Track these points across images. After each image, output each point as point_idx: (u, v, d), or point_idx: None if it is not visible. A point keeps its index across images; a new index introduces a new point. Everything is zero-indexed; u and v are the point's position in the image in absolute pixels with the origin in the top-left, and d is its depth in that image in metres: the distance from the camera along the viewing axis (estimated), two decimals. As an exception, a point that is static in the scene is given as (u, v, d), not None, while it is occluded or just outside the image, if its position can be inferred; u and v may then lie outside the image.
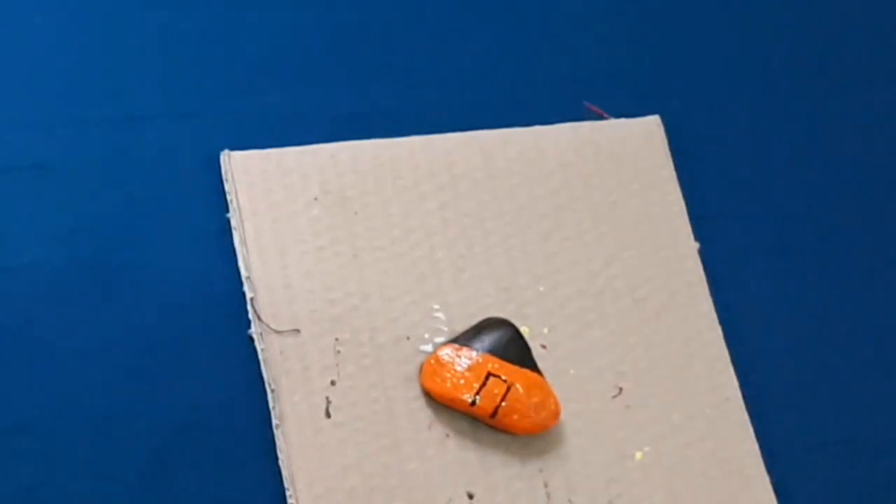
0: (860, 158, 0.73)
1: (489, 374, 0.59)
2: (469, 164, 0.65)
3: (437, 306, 0.62)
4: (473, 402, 0.58)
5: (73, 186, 0.60)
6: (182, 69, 0.63)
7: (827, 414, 0.64)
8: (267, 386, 0.58)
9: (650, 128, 0.69)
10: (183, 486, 0.57)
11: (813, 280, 0.68)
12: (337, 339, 0.60)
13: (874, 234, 0.71)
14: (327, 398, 0.59)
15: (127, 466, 0.56)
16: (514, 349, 0.60)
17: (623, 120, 0.69)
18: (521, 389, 0.59)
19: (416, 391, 0.60)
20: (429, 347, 0.61)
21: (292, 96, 0.64)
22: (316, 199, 0.62)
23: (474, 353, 0.60)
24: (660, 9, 0.74)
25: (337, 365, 0.59)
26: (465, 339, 0.61)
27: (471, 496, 0.59)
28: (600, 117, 0.68)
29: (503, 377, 0.59)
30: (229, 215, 0.61)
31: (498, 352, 0.60)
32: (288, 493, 0.57)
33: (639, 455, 0.61)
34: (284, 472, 0.57)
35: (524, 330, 0.62)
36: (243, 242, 0.60)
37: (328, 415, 0.58)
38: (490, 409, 0.58)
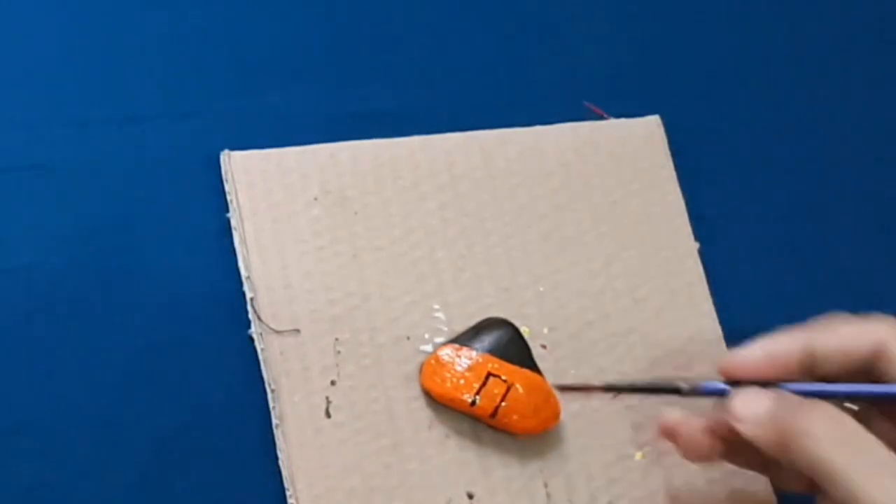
0: (861, 159, 0.73)
1: (489, 374, 0.59)
2: (469, 164, 0.65)
3: (437, 306, 0.62)
4: (473, 403, 0.58)
5: (73, 186, 0.60)
6: (182, 69, 0.63)
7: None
8: (267, 386, 0.58)
9: (650, 128, 0.69)
10: (183, 485, 0.57)
11: (813, 281, 0.68)
12: (337, 339, 0.60)
13: (874, 235, 0.71)
14: (327, 398, 0.59)
15: (127, 466, 0.56)
16: (515, 349, 0.60)
17: (623, 120, 0.69)
18: (521, 389, 0.59)
19: (416, 391, 0.60)
20: (429, 347, 0.61)
21: (292, 96, 0.64)
22: (316, 199, 0.62)
23: (474, 353, 0.60)
24: (660, 8, 0.74)
25: (337, 365, 0.59)
26: (465, 339, 0.60)
27: (471, 496, 0.59)
28: (600, 117, 0.68)
29: (503, 377, 0.59)
30: (229, 215, 0.61)
31: (498, 352, 0.60)
32: (288, 493, 0.57)
33: (639, 455, 0.61)
34: (284, 472, 0.57)
35: (524, 330, 0.62)
36: (243, 242, 0.60)
37: (328, 415, 0.58)
38: (490, 410, 0.58)
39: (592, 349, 0.63)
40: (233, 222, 0.60)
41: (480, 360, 0.59)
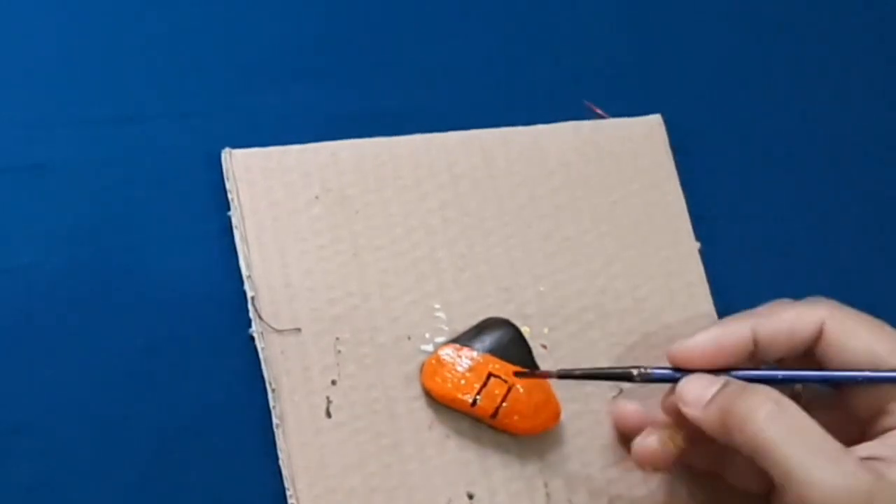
0: (861, 158, 0.73)
1: (490, 375, 0.59)
2: (470, 163, 0.65)
3: (437, 306, 0.62)
4: (474, 403, 0.58)
5: (73, 186, 0.59)
6: (182, 69, 0.63)
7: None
8: (267, 385, 0.58)
9: (651, 127, 0.69)
10: (183, 485, 0.57)
11: (814, 281, 0.67)
12: (338, 339, 0.60)
13: (875, 234, 0.71)
14: (328, 398, 0.59)
15: (127, 466, 0.56)
16: (515, 349, 0.60)
17: (624, 119, 0.69)
18: (521, 390, 0.59)
19: (416, 391, 0.60)
20: (429, 347, 0.61)
21: (293, 96, 0.64)
22: (317, 197, 0.62)
23: (475, 354, 0.60)
24: (661, 8, 0.74)
25: (338, 364, 0.59)
26: (465, 338, 0.60)
27: (471, 496, 0.59)
28: (600, 117, 0.68)
29: (504, 377, 0.59)
30: (230, 213, 0.61)
31: (499, 352, 0.60)
32: (288, 493, 0.57)
33: (639, 455, 0.61)
34: (284, 472, 0.57)
35: (525, 330, 0.62)
36: (244, 241, 0.60)
37: (329, 415, 0.58)
38: (491, 410, 0.58)
39: (593, 349, 0.63)
40: (234, 221, 0.60)
41: (481, 360, 0.59)
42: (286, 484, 0.57)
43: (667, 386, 0.57)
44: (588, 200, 0.66)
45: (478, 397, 0.59)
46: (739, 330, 0.56)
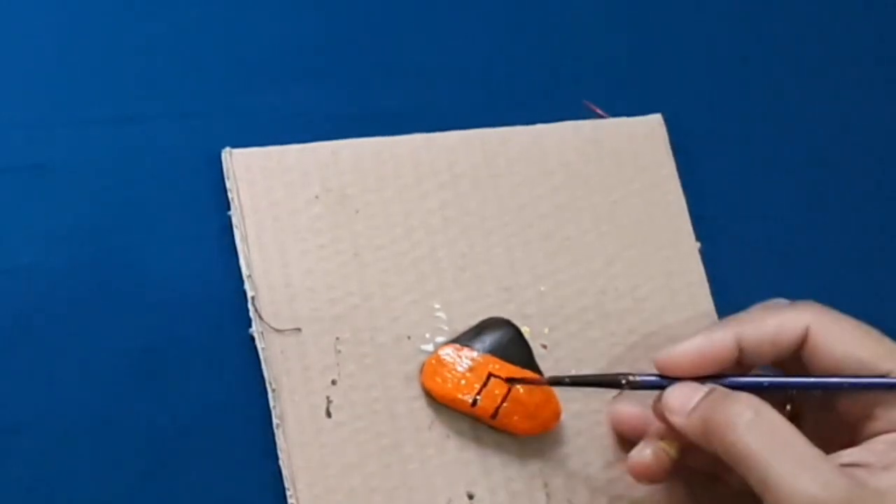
0: (862, 158, 0.73)
1: (490, 375, 0.59)
2: (470, 162, 0.65)
3: (438, 305, 0.62)
4: (474, 403, 0.58)
5: (73, 186, 0.59)
6: (182, 69, 0.63)
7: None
8: (268, 385, 0.58)
9: (652, 126, 0.69)
10: (183, 485, 0.57)
11: (814, 281, 0.68)
12: (338, 339, 0.60)
13: (875, 234, 0.71)
14: (328, 398, 0.59)
15: (127, 466, 0.56)
16: (516, 349, 0.60)
17: (624, 119, 0.68)
18: (522, 390, 0.59)
19: (416, 391, 0.60)
20: (430, 347, 0.61)
21: (293, 96, 0.64)
22: (317, 197, 0.62)
23: (475, 354, 0.59)
24: (662, 7, 0.74)
25: (338, 364, 0.59)
26: (466, 338, 0.60)
27: (471, 496, 0.59)
28: (600, 116, 0.68)
29: (504, 378, 0.59)
30: (230, 213, 0.61)
31: (499, 352, 0.60)
32: (288, 493, 0.57)
33: (639, 455, 0.61)
34: (285, 472, 0.57)
35: (525, 330, 0.62)
36: (244, 240, 0.60)
37: (329, 414, 0.58)
38: (491, 410, 0.58)
39: (593, 349, 0.63)
40: (234, 220, 0.60)
41: (481, 360, 0.59)
42: (286, 484, 0.57)
43: None
44: (588, 200, 0.66)
45: (478, 397, 0.59)
46: (724, 337, 0.56)
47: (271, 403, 0.58)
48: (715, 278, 0.66)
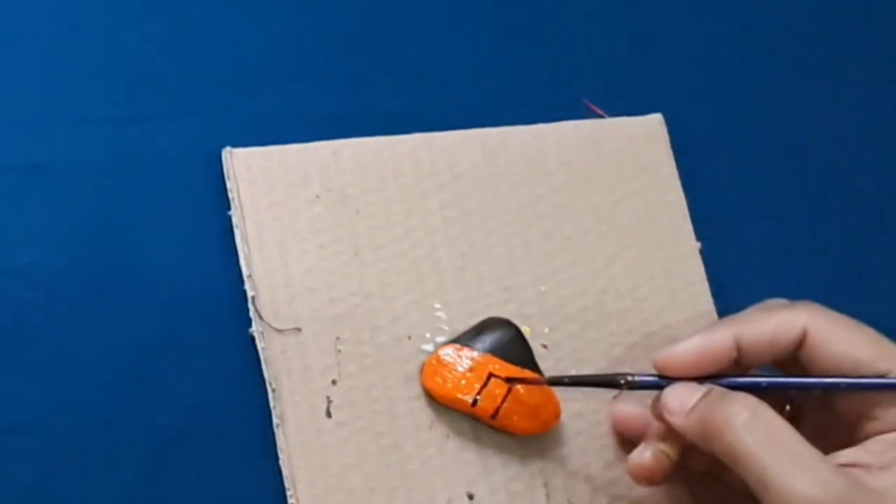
0: (862, 158, 0.73)
1: (490, 375, 0.59)
2: (471, 162, 0.65)
3: (438, 305, 0.62)
4: (474, 403, 0.58)
5: (73, 186, 0.59)
6: (182, 69, 0.63)
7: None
8: (268, 385, 0.58)
9: (652, 126, 0.69)
10: (183, 485, 0.57)
11: (815, 281, 0.68)
12: (338, 339, 0.60)
13: (875, 235, 0.71)
14: (328, 398, 0.59)
15: (127, 466, 0.56)
16: (516, 349, 0.60)
17: (625, 118, 0.68)
18: (522, 390, 0.59)
19: (416, 391, 0.60)
20: (430, 347, 0.61)
21: (293, 96, 0.64)
22: (317, 196, 0.62)
23: (475, 354, 0.59)
24: (663, 6, 0.73)
25: (338, 364, 0.59)
26: (466, 338, 0.60)
27: (471, 496, 0.59)
28: (599, 116, 0.68)
29: (504, 376, 0.59)
30: (230, 213, 0.60)
31: (499, 352, 0.60)
32: (288, 493, 0.57)
33: (639, 455, 0.61)
34: (285, 472, 0.57)
35: (525, 329, 0.62)
36: (245, 240, 0.60)
37: (329, 414, 0.58)
38: (491, 410, 0.58)
39: (593, 349, 0.63)
40: (234, 220, 0.60)
41: (482, 360, 0.59)
42: (286, 484, 0.57)
43: None
44: (589, 200, 0.66)
45: (478, 397, 0.58)
46: (722, 338, 0.56)
47: (271, 403, 0.58)
48: (715, 278, 0.66)
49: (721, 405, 0.53)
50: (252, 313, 0.59)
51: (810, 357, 0.55)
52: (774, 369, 0.58)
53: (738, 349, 0.55)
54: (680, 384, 0.55)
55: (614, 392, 0.62)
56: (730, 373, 0.56)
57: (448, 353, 0.60)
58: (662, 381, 0.56)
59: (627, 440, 0.62)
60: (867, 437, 0.53)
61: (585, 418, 0.62)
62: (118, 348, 0.58)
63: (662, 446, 0.57)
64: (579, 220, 0.65)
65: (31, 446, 0.56)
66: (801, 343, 0.55)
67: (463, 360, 0.59)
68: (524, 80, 0.69)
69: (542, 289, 0.63)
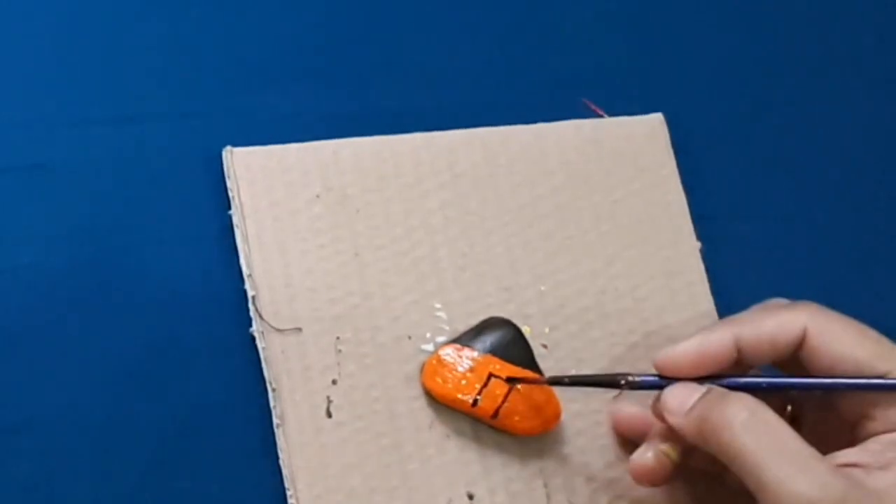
0: (863, 158, 0.73)
1: (491, 375, 0.59)
2: (471, 161, 0.65)
3: (438, 305, 0.62)
4: (475, 403, 0.58)
5: (73, 186, 0.59)
6: (182, 69, 0.63)
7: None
8: (268, 385, 0.58)
9: (653, 126, 0.69)
10: (183, 485, 0.57)
11: (815, 281, 0.68)
12: (338, 338, 0.60)
13: (876, 235, 0.71)
14: (328, 398, 0.59)
15: (127, 466, 0.56)
16: (516, 350, 0.60)
17: (625, 118, 0.68)
18: (522, 390, 0.59)
19: (417, 391, 0.60)
20: (430, 347, 0.61)
21: (292, 96, 0.64)
22: (318, 196, 0.62)
23: (476, 354, 0.59)
24: (664, 6, 0.73)
25: (338, 364, 0.59)
26: (466, 338, 0.60)
27: (471, 496, 0.59)
28: (599, 115, 0.68)
29: (505, 376, 0.59)
30: (231, 212, 0.60)
31: (499, 352, 0.60)
32: (288, 493, 0.57)
33: (639, 455, 0.61)
34: (285, 472, 0.57)
35: (525, 329, 0.62)
36: (245, 240, 0.60)
37: (329, 414, 0.58)
38: (491, 410, 0.58)
39: (593, 349, 0.63)
40: (234, 220, 0.60)
41: (482, 360, 0.59)
42: (286, 484, 0.57)
43: None
44: (589, 199, 0.66)
45: (478, 398, 0.58)
46: (722, 338, 0.56)
47: (271, 403, 0.58)
48: (715, 278, 0.66)
49: (720, 405, 0.53)
50: (252, 313, 0.59)
51: (810, 357, 0.54)
52: (775, 369, 0.57)
53: (738, 349, 0.55)
54: (679, 384, 0.55)
55: (614, 392, 0.62)
56: (730, 373, 0.56)
57: (448, 353, 0.60)
58: (662, 381, 0.56)
59: (628, 440, 0.62)
60: (867, 436, 0.53)
61: (585, 418, 0.62)
62: (118, 348, 0.58)
63: (664, 447, 0.57)
64: (579, 219, 0.65)
65: (31, 446, 0.56)
66: (801, 343, 0.55)
67: (463, 360, 0.59)
68: (524, 80, 0.69)
69: (543, 289, 0.63)
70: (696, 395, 0.54)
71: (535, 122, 0.67)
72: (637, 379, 0.57)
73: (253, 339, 0.59)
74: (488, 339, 0.60)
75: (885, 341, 0.54)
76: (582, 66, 0.70)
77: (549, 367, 0.61)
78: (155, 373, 0.58)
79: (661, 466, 0.57)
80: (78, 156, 0.60)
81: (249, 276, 0.59)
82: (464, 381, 0.59)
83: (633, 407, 0.61)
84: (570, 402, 0.61)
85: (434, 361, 0.60)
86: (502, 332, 0.61)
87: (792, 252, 0.69)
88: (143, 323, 0.58)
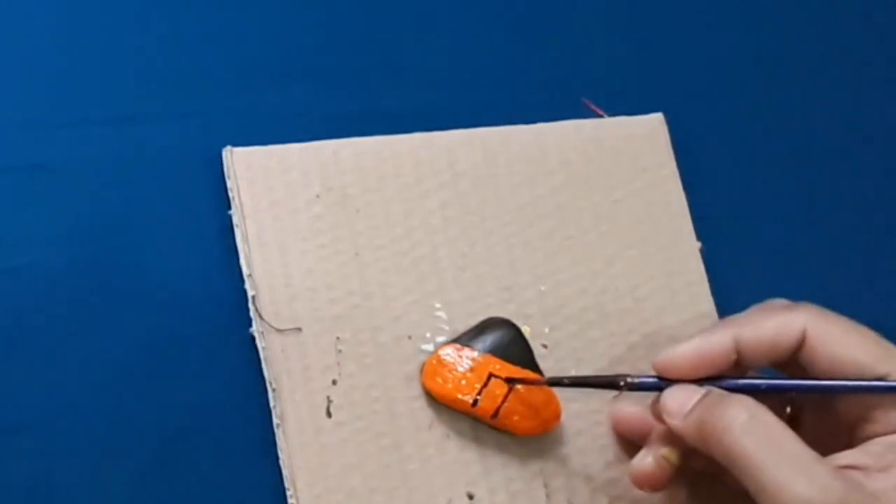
0: (864, 158, 0.73)
1: (491, 375, 0.59)
2: (471, 161, 0.65)
3: (438, 305, 0.62)
4: (475, 403, 0.58)
5: (73, 186, 0.59)
6: (182, 69, 0.63)
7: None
8: (268, 385, 0.58)
9: (653, 126, 0.69)
10: (183, 485, 0.57)
11: (815, 281, 0.68)
12: (338, 338, 0.60)
13: (876, 235, 0.71)
14: (328, 398, 0.59)
15: (127, 466, 0.56)
16: (516, 350, 0.60)
17: (626, 118, 0.68)
18: (522, 390, 0.59)
19: (417, 391, 0.60)
20: (430, 346, 0.61)
21: (292, 96, 0.64)
22: (318, 196, 0.62)
23: (476, 354, 0.59)
24: (664, 5, 0.73)
25: (338, 364, 0.59)
26: (466, 338, 0.60)
27: (471, 496, 0.59)
28: (598, 115, 0.68)
29: (504, 377, 0.59)
30: (231, 212, 0.60)
31: (499, 352, 0.60)
32: (288, 493, 0.57)
33: (639, 455, 0.61)
34: (285, 472, 0.57)
35: (525, 329, 0.62)
36: (245, 240, 0.60)
37: (329, 414, 0.58)
38: (491, 410, 0.58)
39: (593, 349, 0.63)
40: (234, 220, 0.60)
41: (482, 360, 0.59)
42: (286, 484, 0.57)
43: None
44: (589, 199, 0.66)
45: (478, 398, 0.58)
46: (721, 340, 0.56)
47: (271, 403, 0.58)
48: (715, 278, 0.66)
49: (719, 407, 0.53)
50: (252, 313, 0.59)
51: (810, 359, 0.54)
52: (774, 371, 0.57)
53: (738, 351, 0.55)
54: (679, 386, 0.55)
55: (614, 392, 0.62)
56: (729, 375, 0.56)
57: (448, 353, 0.60)
58: (662, 382, 0.56)
59: (627, 440, 0.62)
60: (867, 438, 0.53)
61: (585, 418, 0.62)
62: (118, 348, 0.58)
63: (664, 451, 0.57)
64: (579, 219, 0.65)
65: (31, 446, 0.56)
66: (800, 345, 0.55)
67: (463, 360, 0.59)
68: (524, 80, 0.69)
69: (543, 289, 0.63)
70: (696, 398, 0.54)
71: (535, 122, 0.67)
72: (636, 380, 0.57)
73: (253, 339, 0.59)
74: (488, 339, 0.60)
75: (884, 343, 0.54)
76: (582, 66, 0.70)
77: (549, 367, 0.61)
78: (155, 373, 0.58)
79: (661, 471, 0.57)
80: (78, 156, 0.60)
81: (249, 276, 0.59)
82: (464, 381, 0.59)
83: (632, 407, 0.61)
84: (570, 402, 0.61)
85: (434, 361, 0.60)
86: (502, 332, 0.61)
87: (792, 252, 0.69)
88: (143, 323, 0.58)
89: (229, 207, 0.61)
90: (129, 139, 0.61)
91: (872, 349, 0.54)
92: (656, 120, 0.69)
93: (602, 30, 0.72)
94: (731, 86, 0.73)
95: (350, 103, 0.65)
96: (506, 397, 0.59)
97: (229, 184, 0.61)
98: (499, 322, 0.61)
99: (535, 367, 0.60)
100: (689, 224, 0.67)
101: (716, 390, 0.54)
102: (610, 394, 0.62)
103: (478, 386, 0.59)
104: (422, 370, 0.60)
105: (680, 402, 0.55)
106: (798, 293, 0.58)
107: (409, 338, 0.61)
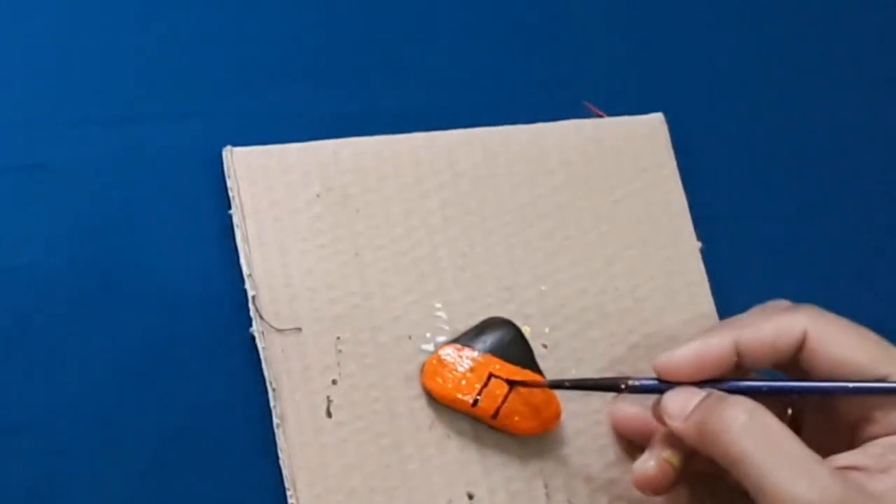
0: (864, 158, 0.73)
1: (491, 375, 0.59)
2: (471, 161, 0.65)
3: (438, 305, 0.62)
4: (475, 403, 0.58)
5: (73, 186, 0.59)
6: (182, 69, 0.63)
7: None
8: (268, 385, 0.58)
9: (653, 126, 0.69)
10: (183, 485, 0.57)
11: (815, 281, 0.68)
12: (338, 338, 0.60)
13: (876, 235, 0.71)
14: (328, 397, 0.59)
15: (127, 466, 0.56)
16: (516, 350, 0.60)
17: (626, 118, 0.68)
18: (522, 390, 0.59)
19: (417, 391, 0.60)
20: (430, 346, 0.61)
21: (292, 96, 0.64)
22: (318, 196, 0.62)
23: (476, 354, 0.59)
24: (664, 5, 0.73)
25: (338, 364, 0.59)
26: (466, 338, 0.60)
27: (471, 496, 0.59)
28: (599, 117, 0.68)
29: (505, 378, 0.59)
30: (231, 212, 0.60)
31: (500, 352, 0.60)
32: (288, 493, 0.57)
33: (639, 455, 0.61)
34: (285, 472, 0.57)
35: (525, 329, 0.62)
36: (245, 240, 0.60)
37: (329, 414, 0.58)
38: (491, 410, 0.58)
39: (593, 349, 0.63)
40: (234, 220, 0.60)
41: (482, 360, 0.59)
42: (286, 484, 0.57)
43: None
44: (589, 199, 0.66)
45: (478, 398, 0.58)
46: (722, 342, 0.55)
47: (271, 403, 0.58)
48: (715, 278, 0.66)
49: (719, 409, 0.53)
50: (252, 313, 0.59)
51: (811, 360, 0.54)
52: (775, 373, 0.57)
53: (738, 353, 0.55)
54: (679, 388, 0.55)
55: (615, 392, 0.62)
56: (730, 377, 0.56)
57: (448, 353, 0.60)
58: (662, 385, 0.56)
59: (627, 440, 0.62)
60: (867, 439, 0.53)
61: (585, 418, 0.62)
62: (118, 348, 0.58)
63: (666, 454, 0.56)
64: (579, 219, 0.65)
65: (31, 446, 0.56)
66: (801, 347, 0.54)
67: (463, 360, 0.59)
68: (524, 80, 0.69)
69: (543, 289, 0.63)
70: (696, 400, 0.54)
71: (535, 122, 0.67)
72: (637, 383, 0.57)
73: (253, 339, 0.59)
74: (488, 339, 0.60)
75: (885, 344, 0.54)
76: (582, 66, 0.70)
77: (549, 367, 0.61)
78: (155, 373, 0.58)
79: (663, 474, 0.57)
80: (78, 156, 0.60)
81: (249, 276, 0.59)
82: (464, 381, 0.59)
83: (632, 407, 0.61)
84: (570, 402, 0.61)
85: (434, 361, 0.60)
86: (502, 332, 0.61)
87: (792, 252, 0.69)
88: (143, 323, 0.58)
89: (229, 207, 0.61)
90: (129, 139, 0.61)
91: (873, 350, 0.54)
92: (656, 120, 0.69)
93: (602, 30, 0.72)
94: (731, 86, 0.73)
95: (350, 103, 0.65)
96: (506, 397, 0.59)
97: (229, 184, 0.61)
98: (499, 322, 0.61)
99: (535, 367, 0.60)
100: (689, 224, 0.67)
101: (716, 392, 0.54)
102: (610, 394, 0.62)
103: (478, 386, 0.59)
104: (422, 370, 0.60)
105: (680, 404, 0.55)
106: (798, 293, 0.58)
107: (410, 338, 0.61)
